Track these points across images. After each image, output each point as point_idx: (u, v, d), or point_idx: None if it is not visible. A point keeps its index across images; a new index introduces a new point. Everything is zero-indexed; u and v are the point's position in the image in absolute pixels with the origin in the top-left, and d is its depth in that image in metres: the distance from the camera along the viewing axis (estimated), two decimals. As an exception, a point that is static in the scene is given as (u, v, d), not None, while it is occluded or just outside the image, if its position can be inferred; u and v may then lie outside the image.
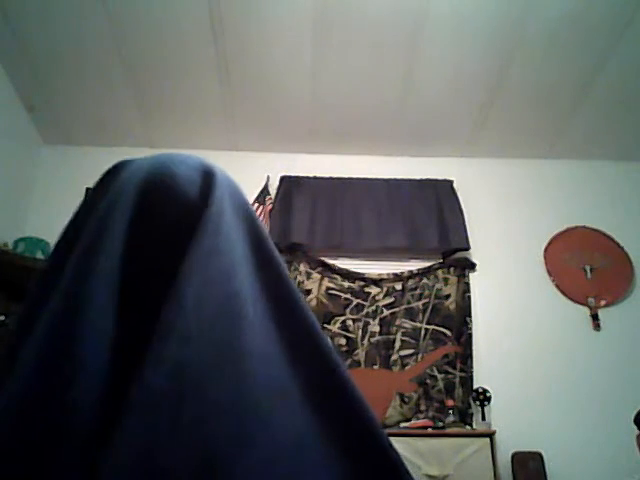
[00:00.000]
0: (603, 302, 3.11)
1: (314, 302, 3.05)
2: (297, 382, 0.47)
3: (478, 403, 2.81)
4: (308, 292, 3.08)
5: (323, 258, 3.18)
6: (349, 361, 2.92)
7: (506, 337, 3.02)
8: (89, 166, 3.30)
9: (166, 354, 0.40)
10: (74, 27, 2.66)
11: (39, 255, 2.78)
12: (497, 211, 3.35)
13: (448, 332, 3.01)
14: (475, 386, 2.87)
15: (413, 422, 2.74)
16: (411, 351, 2.97)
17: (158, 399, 0.38)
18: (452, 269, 3.17)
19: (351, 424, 0.47)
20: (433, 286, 3.13)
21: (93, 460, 0.36)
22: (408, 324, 3.04)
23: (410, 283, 3.14)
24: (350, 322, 3.04)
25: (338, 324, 3.03)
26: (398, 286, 3.13)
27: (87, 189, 3.24)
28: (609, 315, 3.08)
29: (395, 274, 3.16)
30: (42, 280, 0.48)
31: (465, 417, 2.81)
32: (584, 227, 3.30)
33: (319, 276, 3.14)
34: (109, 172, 0.52)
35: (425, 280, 3.15)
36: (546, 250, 3.24)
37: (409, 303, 3.09)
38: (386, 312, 3.07)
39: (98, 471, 0.36)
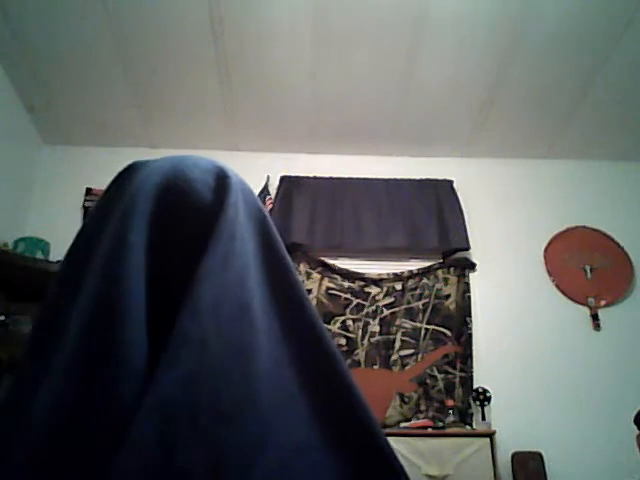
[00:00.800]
0: (603, 302, 3.11)
1: (314, 302, 3.05)
2: (302, 385, 0.47)
3: (478, 403, 2.81)
4: (308, 292, 3.08)
5: (323, 258, 3.18)
6: (349, 361, 2.92)
7: (506, 337, 3.02)
8: (89, 166, 3.33)
9: (183, 358, 0.40)
10: (74, 27, 2.65)
11: (39, 255, 2.78)
12: (497, 211, 3.35)
13: (448, 332, 3.01)
14: (475, 386, 2.87)
15: (413, 422, 2.74)
16: (411, 351, 2.97)
17: (174, 406, 0.39)
18: (452, 269, 3.17)
19: (353, 430, 0.47)
20: (433, 286, 3.13)
21: (110, 461, 0.37)
22: (408, 324, 3.04)
23: (410, 283, 3.14)
24: (350, 322, 3.04)
25: (338, 324, 3.03)
26: (398, 286, 3.13)
27: (87, 189, 3.24)
28: (609, 315, 3.08)
29: (395, 274, 3.16)
30: (64, 280, 0.48)
31: (465, 417, 2.81)
32: (584, 227, 3.30)
33: (319, 276, 3.14)
34: (122, 174, 0.52)
35: (425, 280, 3.15)
36: (546, 250, 3.24)
37: (409, 303, 3.09)
38: (386, 312, 3.07)
39: (115, 472, 0.36)
